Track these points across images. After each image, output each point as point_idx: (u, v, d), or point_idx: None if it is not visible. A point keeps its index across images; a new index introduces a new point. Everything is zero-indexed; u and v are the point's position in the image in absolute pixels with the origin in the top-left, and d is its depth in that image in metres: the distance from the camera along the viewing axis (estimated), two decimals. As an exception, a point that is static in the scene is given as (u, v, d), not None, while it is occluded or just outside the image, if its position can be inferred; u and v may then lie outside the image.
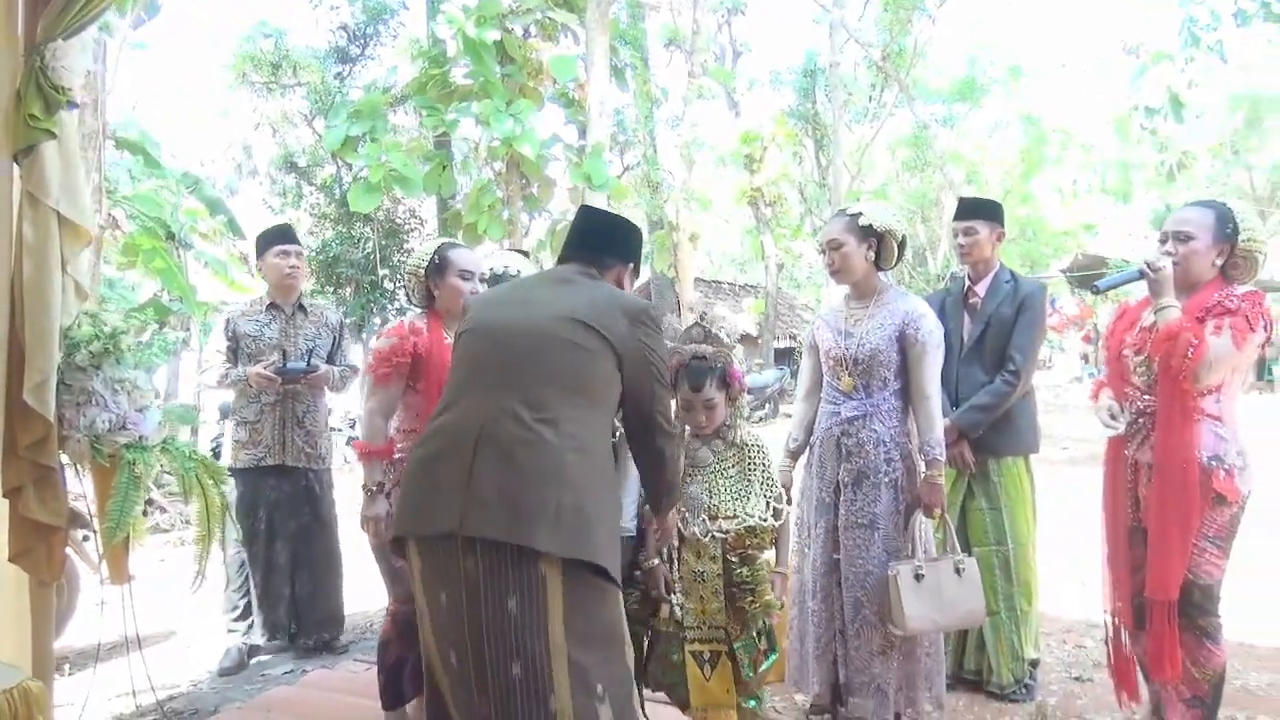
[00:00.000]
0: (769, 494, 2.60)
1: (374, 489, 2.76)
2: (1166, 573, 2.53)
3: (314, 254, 13.15)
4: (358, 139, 10.36)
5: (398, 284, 12.28)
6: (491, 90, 9.78)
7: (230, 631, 3.86)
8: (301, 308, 3.95)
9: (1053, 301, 19.90)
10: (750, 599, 2.52)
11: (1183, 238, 2.61)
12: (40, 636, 2.76)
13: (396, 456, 2.80)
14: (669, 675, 2.58)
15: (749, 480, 2.61)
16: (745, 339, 19.25)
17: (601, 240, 2.29)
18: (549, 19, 10.41)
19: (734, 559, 2.55)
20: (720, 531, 2.55)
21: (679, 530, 2.58)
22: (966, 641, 3.36)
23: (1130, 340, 2.73)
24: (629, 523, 2.58)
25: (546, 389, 1.93)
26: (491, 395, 1.94)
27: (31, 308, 2.61)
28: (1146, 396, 2.65)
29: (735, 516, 2.55)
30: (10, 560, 2.63)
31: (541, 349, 1.98)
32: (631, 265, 2.33)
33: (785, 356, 19.26)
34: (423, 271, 2.93)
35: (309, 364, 3.78)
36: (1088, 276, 18.37)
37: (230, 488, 3.51)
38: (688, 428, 2.65)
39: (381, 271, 12.21)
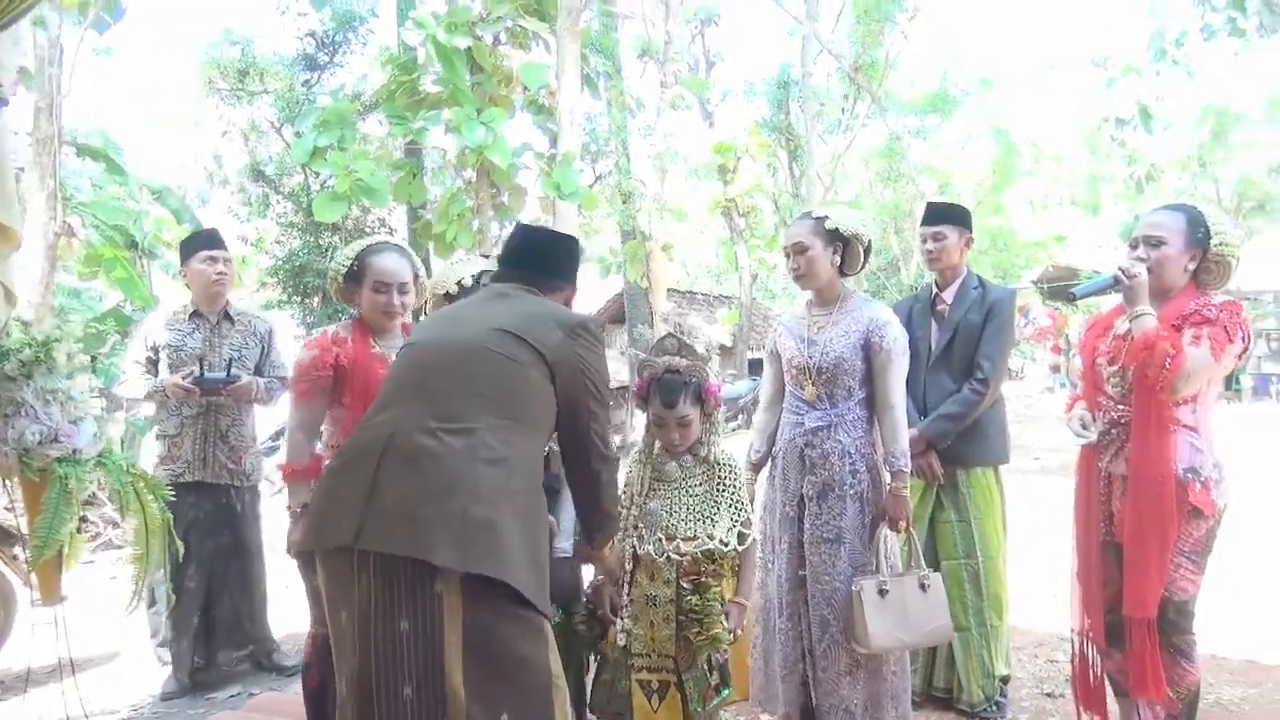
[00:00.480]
0: (737, 517, 2.45)
1: (299, 510, 2.59)
2: (1144, 589, 2.44)
3: (281, 263, 12.94)
4: (326, 149, 10.20)
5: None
6: (461, 98, 9.67)
7: (161, 659, 3.69)
8: (228, 316, 3.75)
9: (1026, 312, 20.01)
10: (697, 630, 2.36)
11: (1154, 242, 2.52)
12: (-39, 661, 2.61)
13: None
14: (614, 704, 2.45)
15: (716, 501, 2.45)
16: (720, 349, 19.19)
17: (543, 260, 2.20)
18: (519, 26, 10.31)
19: (686, 585, 2.39)
20: (676, 553, 2.40)
21: (634, 549, 2.44)
22: (936, 658, 3.27)
23: (1104, 349, 2.65)
24: (564, 542, 2.45)
25: (464, 400, 1.84)
26: (406, 408, 1.85)
27: (-47, 314, 2.48)
28: (1120, 407, 2.56)
29: (695, 538, 2.40)
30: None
31: (464, 361, 1.90)
32: (575, 288, 2.26)
33: (759, 367, 19.21)
34: (340, 278, 2.77)
35: (229, 374, 3.57)
36: (1059, 287, 18.53)
37: None
38: (658, 443, 2.53)
39: (350, 281, 12.01)
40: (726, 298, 23.41)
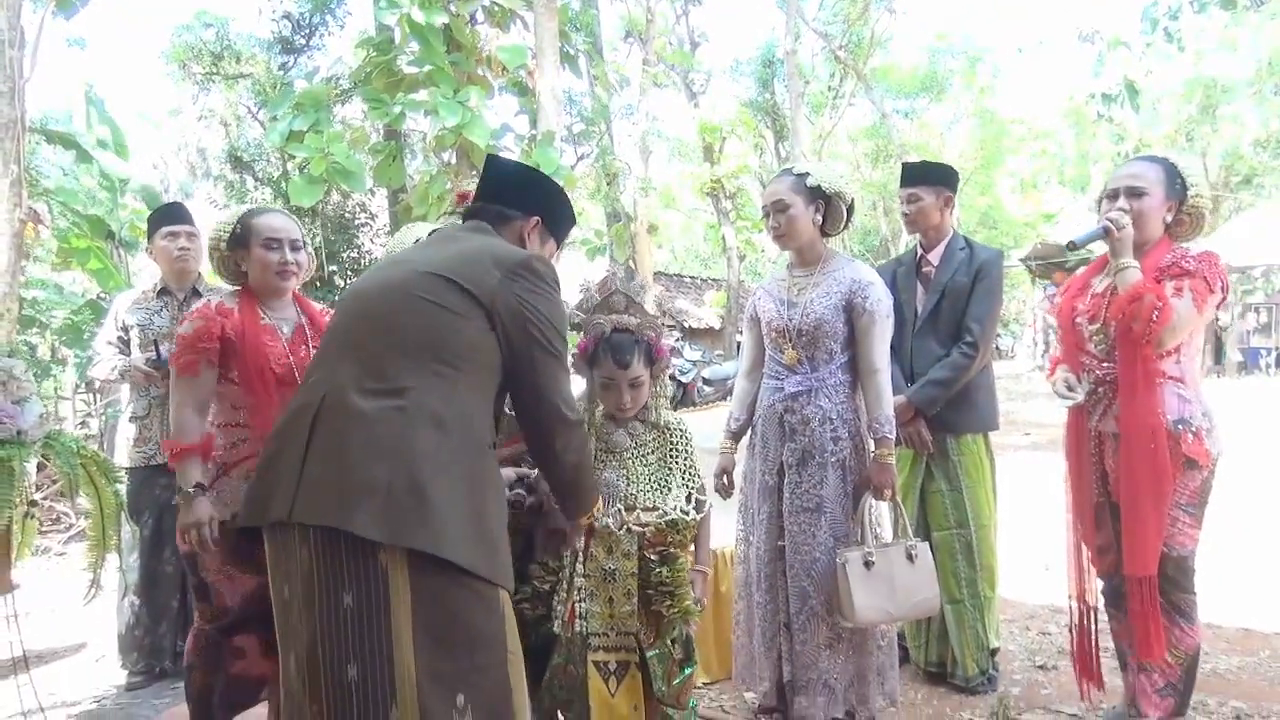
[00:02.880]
0: (690, 484, 2.32)
1: (191, 491, 2.37)
2: (1144, 546, 2.37)
3: (261, 250, 12.75)
4: (302, 133, 10.03)
5: (348, 280, 11.94)
6: (439, 78, 9.51)
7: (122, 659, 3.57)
8: (197, 293, 3.58)
9: (1049, 292, 19.87)
10: (669, 603, 2.20)
11: (1135, 193, 2.46)
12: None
13: (217, 455, 2.47)
14: (566, 691, 2.26)
15: (669, 468, 2.31)
16: (708, 331, 19.11)
17: (500, 190, 2.00)
18: (496, 5, 10.14)
19: (653, 557, 2.24)
20: (638, 524, 2.25)
21: (591, 523, 2.26)
22: (928, 633, 3.17)
23: (1083, 308, 2.58)
24: None
25: (394, 355, 1.68)
26: (336, 366, 1.71)
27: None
28: (1105, 364, 2.50)
29: (655, 509, 2.26)
30: None
31: (391, 311, 1.73)
32: (536, 220, 1.99)
33: (749, 349, 19.15)
34: (224, 245, 2.57)
35: None
36: (1047, 264, 18.45)
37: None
38: (600, 408, 2.34)
39: (330, 268, 11.82)
40: (715, 280, 23.30)
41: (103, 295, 10.40)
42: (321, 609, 1.57)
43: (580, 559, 2.26)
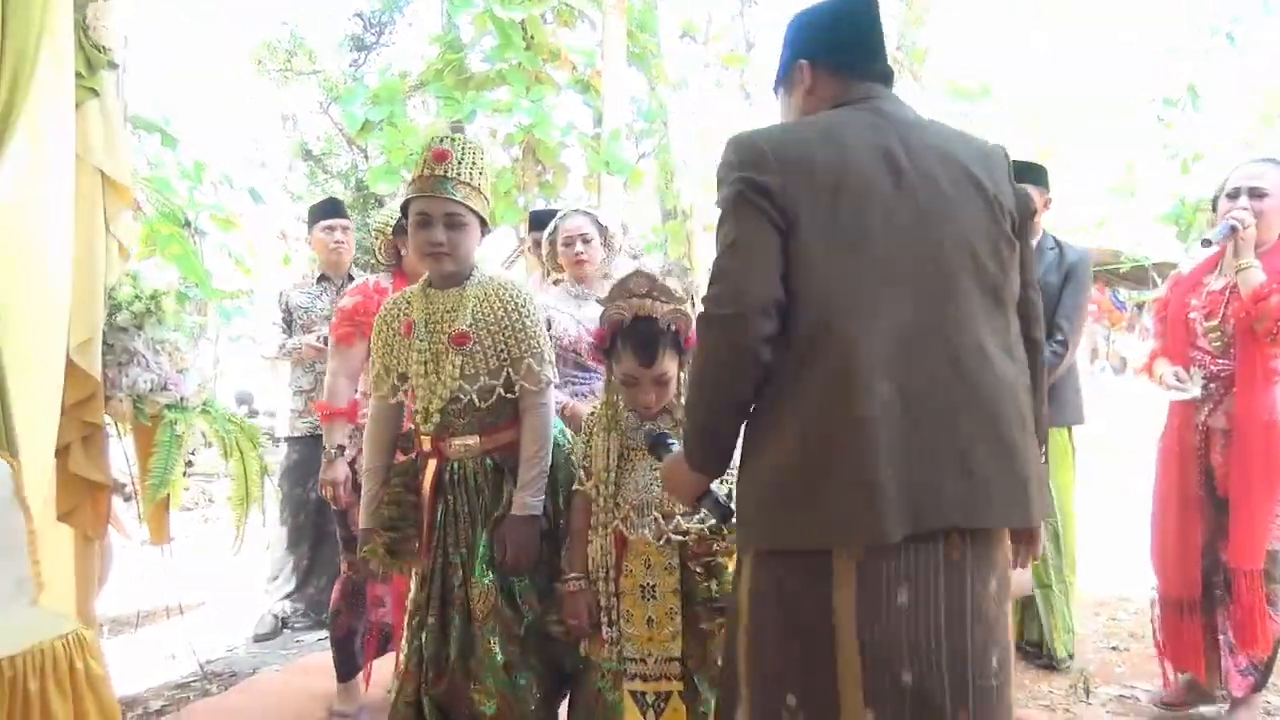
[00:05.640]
0: (730, 480, 1.79)
1: (335, 452, 2.70)
2: (1253, 540, 2.48)
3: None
4: (376, 124, 10.37)
5: (413, 271, 12.26)
6: (511, 76, 9.79)
7: (266, 593, 3.89)
8: (351, 279, 3.84)
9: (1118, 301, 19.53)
10: (720, 620, 1.86)
11: (1259, 194, 2.51)
12: (84, 593, 2.77)
13: (361, 421, 2.67)
14: (597, 716, 1.99)
15: None
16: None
17: (850, 37, 1.55)
18: (565, 5, 10.39)
19: (698, 570, 1.93)
20: (678, 533, 1.93)
21: (622, 534, 1.97)
22: (1024, 614, 3.30)
23: (1198, 304, 2.65)
24: (534, 498, 2.11)
25: (997, 307, 1.42)
26: (947, 320, 1.36)
27: (77, 266, 2.61)
28: (1221, 361, 2.58)
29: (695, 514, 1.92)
30: (59, 519, 2.63)
31: (979, 243, 1.40)
32: None
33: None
34: (390, 230, 2.82)
35: None
36: (1099, 270, 18.24)
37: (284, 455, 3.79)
38: (621, 404, 2.03)
39: (398, 259, 12.12)
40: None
41: (183, 283, 10.79)
42: (971, 602, 1.36)
43: (611, 575, 1.98)
